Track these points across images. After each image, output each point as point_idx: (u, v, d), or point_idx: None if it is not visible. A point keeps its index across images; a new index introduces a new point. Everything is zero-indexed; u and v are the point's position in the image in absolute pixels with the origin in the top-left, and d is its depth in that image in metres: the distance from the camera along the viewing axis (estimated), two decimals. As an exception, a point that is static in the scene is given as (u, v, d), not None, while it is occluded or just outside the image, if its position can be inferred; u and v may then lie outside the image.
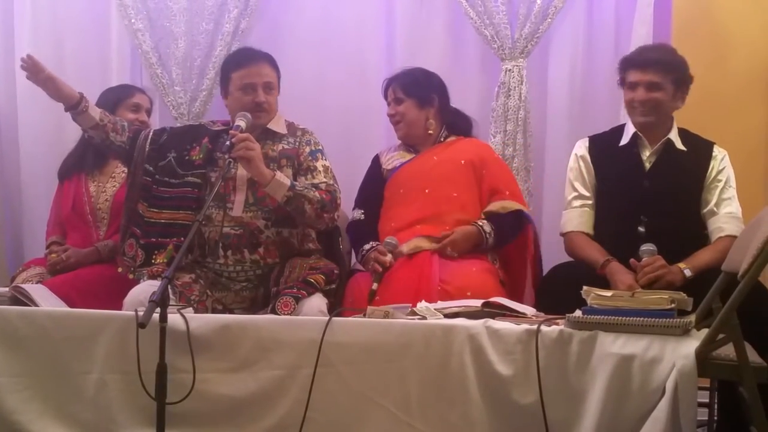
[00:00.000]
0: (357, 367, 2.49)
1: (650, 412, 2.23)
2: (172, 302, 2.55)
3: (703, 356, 2.21)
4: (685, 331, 2.32)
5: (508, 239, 3.22)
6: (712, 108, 3.59)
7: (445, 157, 3.32)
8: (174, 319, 2.45)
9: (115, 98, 3.49)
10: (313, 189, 2.98)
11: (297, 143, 3.13)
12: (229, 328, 2.55)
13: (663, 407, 2.20)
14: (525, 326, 2.43)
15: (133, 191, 3.09)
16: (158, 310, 2.24)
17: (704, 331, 2.28)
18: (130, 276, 2.98)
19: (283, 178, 2.93)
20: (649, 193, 3.04)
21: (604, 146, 3.19)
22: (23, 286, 2.94)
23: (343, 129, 3.89)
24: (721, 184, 3.06)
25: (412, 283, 2.93)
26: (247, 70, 3.06)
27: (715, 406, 2.79)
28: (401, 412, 2.46)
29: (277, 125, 3.13)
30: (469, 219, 3.22)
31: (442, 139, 3.39)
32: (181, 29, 3.90)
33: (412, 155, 3.37)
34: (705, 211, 3.06)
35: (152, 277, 2.91)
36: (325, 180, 3.06)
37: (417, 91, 3.33)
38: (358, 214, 3.34)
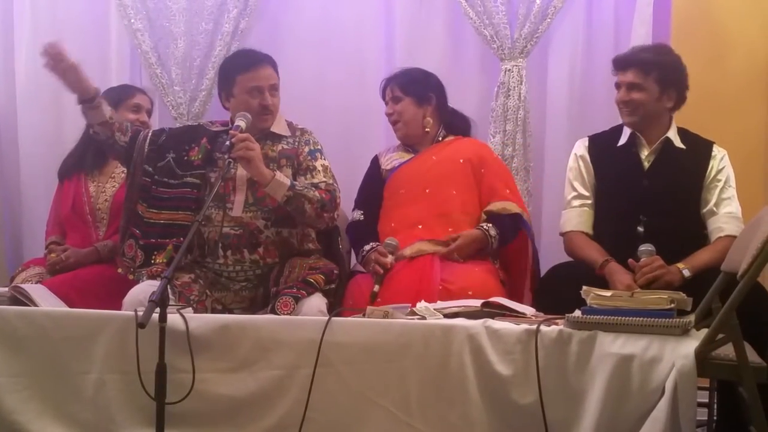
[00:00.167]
0: (356, 367, 2.49)
1: (650, 412, 2.23)
2: (171, 302, 2.55)
3: (702, 356, 2.21)
4: (684, 331, 2.32)
5: (509, 240, 3.23)
6: (711, 108, 3.59)
7: (443, 156, 3.32)
8: (173, 319, 2.45)
9: (116, 98, 3.48)
10: (313, 188, 2.98)
11: (296, 143, 3.13)
12: (228, 328, 2.55)
13: (662, 407, 2.20)
14: (524, 326, 2.43)
15: (133, 192, 3.09)
16: (158, 310, 2.25)
17: (704, 331, 2.28)
18: (130, 277, 2.98)
19: (283, 178, 2.93)
20: (649, 192, 3.04)
21: (603, 146, 3.19)
22: (23, 285, 2.94)
23: (343, 129, 3.89)
24: (720, 184, 3.05)
25: (413, 284, 2.93)
26: (254, 73, 3.04)
27: (715, 406, 2.79)
28: (401, 412, 2.46)
29: (279, 127, 3.13)
30: (470, 218, 3.22)
31: (440, 139, 3.39)
32: (181, 29, 3.91)
33: (411, 155, 3.37)
34: (704, 210, 3.05)
35: (152, 277, 2.91)
36: (324, 179, 3.06)
37: (414, 90, 3.33)
38: (358, 214, 3.34)
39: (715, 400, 2.78)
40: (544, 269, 3.21)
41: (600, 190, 3.15)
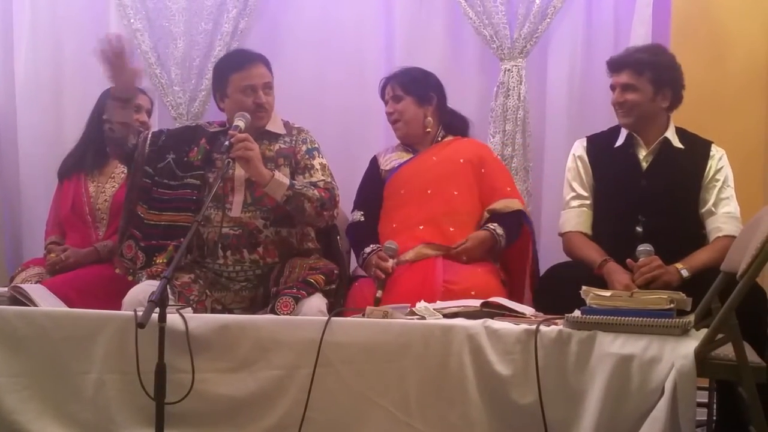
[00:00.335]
0: (356, 367, 2.49)
1: (649, 412, 2.23)
2: (171, 302, 2.55)
3: (702, 356, 2.21)
4: (684, 331, 2.32)
5: (514, 238, 3.22)
6: (710, 108, 3.59)
7: (444, 156, 3.32)
8: (173, 319, 2.46)
9: (115, 98, 3.48)
10: (312, 187, 2.98)
11: (293, 142, 3.13)
12: (228, 328, 2.55)
13: (662, 407, 2.20)
14: (524, 326, 2.43)
15: (133, 193, 3.09)
16: (157, 310, 2.24)
17: (703, 331, 2.28)
18: (129, 278, 2.98)
19: (282, 177, 2.93)
20: (647, 192, 3.04)
21: (601, 146, 3.19)
22: (22, 285, 2.94)
23: (342, 129, 3.89)
24: (719, 184, 3.05)
25: (416, 287, 2.91)
26: (246, 72, 3.05)
27: (714, 406, 2.79)
28: (400, 412, 2.46)
29: (275, 125, 3.13)
30: (471, 218, 3.22)
31: (439, 139, 3.39)
32: (180, 29, 3.90)
33: (411, 155, 3.37)
34: (703, 210, 3.05)
35: (151, 277, 2.91)
36: (323, 178, 3.06)
37: (416, 89, 3.33)
38: (358, 215, 3.33)
39: (715, 400, 2.78)
40: (543, 269, 3.21)
41: (598, 191, 3.15)
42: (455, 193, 3.24)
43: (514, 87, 3.74)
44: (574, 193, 3.18)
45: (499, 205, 3.23)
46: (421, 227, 3.18)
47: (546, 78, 3.86)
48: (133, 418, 2.53)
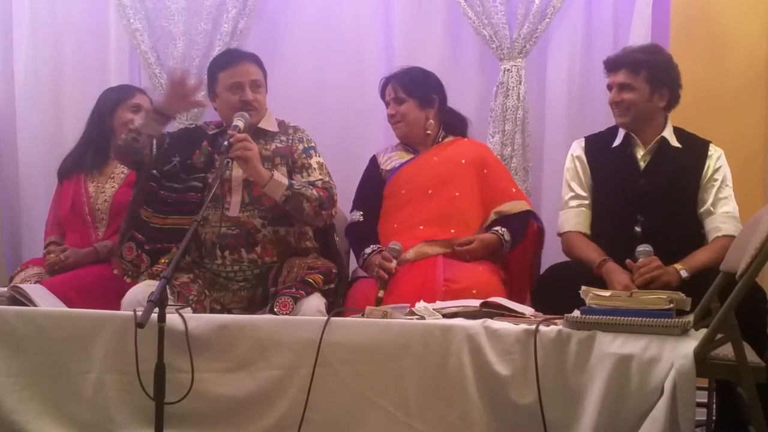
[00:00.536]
0: (355, 367, 2.49)
1: (649, 411, 2.23)
2: (170, 302, 2.56)
3: (701, 356, 2.21)
4: (683, 331, 2.32)
5: (518, 242, 3.22)
6: (710, 108, 3.59)
7: (445, 157, 3.32)
8: (172, 319, 2.46)
9: (116, 98, 3.49)
10: (311, 187, 2.97)
11: (290, 141, 3.13)
12: (227, 328, 2.55)
13: (661, 407, 2.20)
14: (523, 326, 2.43)
15: (139, 195, 3.07)
16: (156, 310, 2.24)
17: (703, 331, 2.28)
18: (127, 279, 2.97)
19: (281, 177, 2.93)
20: (645, 191, 3.04)
21: (599, 146, 3.19)
22: (22, 285, 2.94)
23: (342, 129, 3.89)
24: (717, 183, 3.05)
25: (416, 287, 2.91)
26: (233, 70, 3.05)
27: (714, 406, 2.79)
28: (400, 412, 2.46)
29: (269, 124, 3.13)
30: (472, 219, 3.22)
31: (440, 140, 3.39)
32: (180, 29, 3.90)
33: (411, 155, 3.36)
34: (702, 210, 3.05)
35: (151, 277, 2.91)
36: (320, 177, 3.05)
37: (418, 92, 3.31)
38: (357, 215, 3.32)
39: (714, 400, 2.78)
40: (542, 269, 3.21)
41: (597, 191, 3.15)
42: (456, 193, 3.24)
43: (513, 87, 3.74)
44: (572, 193, 3.17)
45: (507, 206, 3.23)
46: (422, 227, 3.18)
47: (545, 78, 3.86)
48: (133, 418, 2.53)
